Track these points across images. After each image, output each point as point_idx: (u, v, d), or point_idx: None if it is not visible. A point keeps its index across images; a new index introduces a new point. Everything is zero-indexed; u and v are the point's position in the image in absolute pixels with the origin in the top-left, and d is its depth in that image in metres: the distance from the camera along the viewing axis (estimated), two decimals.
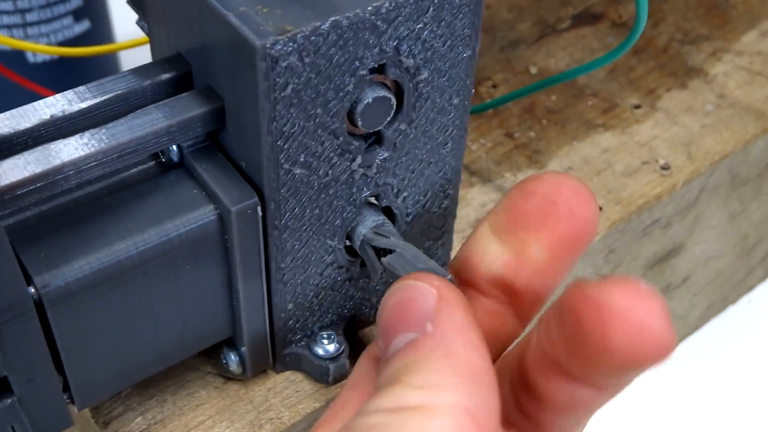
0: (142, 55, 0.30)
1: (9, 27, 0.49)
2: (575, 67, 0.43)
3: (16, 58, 0.49)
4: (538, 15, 0.47)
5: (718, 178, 0.40)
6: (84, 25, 0.51)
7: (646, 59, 0.45)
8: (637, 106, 0.42)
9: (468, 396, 0.21)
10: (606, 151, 0.39)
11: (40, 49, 0.46)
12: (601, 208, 0.37)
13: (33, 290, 0.23)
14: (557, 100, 0.42)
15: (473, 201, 0.37)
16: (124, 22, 0.49)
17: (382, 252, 0.28)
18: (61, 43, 0.51)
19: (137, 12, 0.29)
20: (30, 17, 0.49)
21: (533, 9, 0.47)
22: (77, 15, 0.51)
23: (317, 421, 0.25)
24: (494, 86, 0.42)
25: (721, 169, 0.40)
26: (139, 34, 0.31)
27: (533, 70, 0.43)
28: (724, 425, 0.47)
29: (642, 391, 0.47)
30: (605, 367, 0.21)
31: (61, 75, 0.52)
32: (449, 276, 0.25)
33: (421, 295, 0.23)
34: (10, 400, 0.25)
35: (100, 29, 0.53)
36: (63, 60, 0.51)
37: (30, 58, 0.50)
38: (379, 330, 0.24)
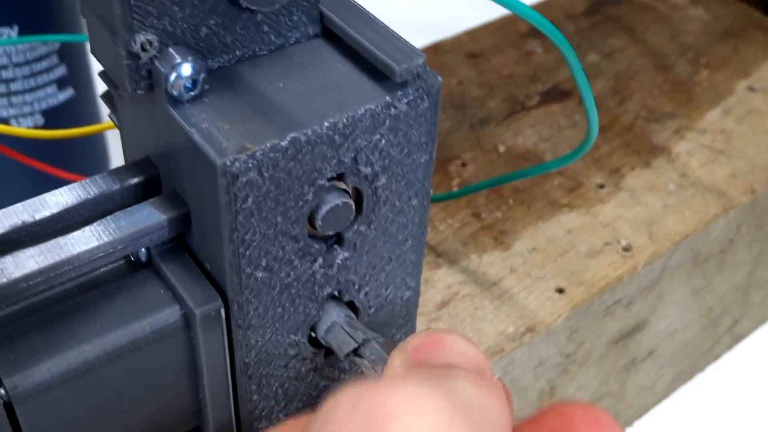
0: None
1: None
2: (542, 145, 0.44)
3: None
4: (508, 92, 0.48)
5: (680, 257, 0.41)
6: (68, 93, 0.53)
7: (612, 137, 0.46)
8: (602, 186, 0.43)
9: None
10: (570, 232, 0.41)
11: (20, 133, 0.47)
12: (563, 290, 0.38)
13: (3, 391, 0.24)
14: (524, 180, 0.43)
15: (439, 283, 0.38)
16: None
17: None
18: (46, 111, 0.52)
19: (109, 107, 0.30)
20: (14, 87, 0.51)
21: (503, 86, 0.49)
22: (61, 84, 0.52)
23: None
24: (463, 165, 0.44)
25: (682, 249, 0.41)
26: None
27: (501, 148, 0.45)
28: None
29: None
30: None
31: (45, 144, 0.53)
32: None
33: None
34: None
35: (84, 97, 0.55)
36: (46, 126, 0.52)
37: (14, 125, 0.52)
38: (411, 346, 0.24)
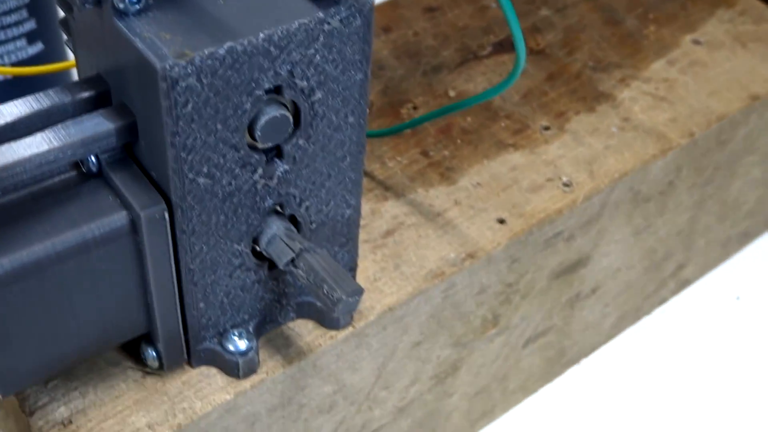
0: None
1: None
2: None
3: None
4: (462, 42, 0.50)
5: (619, 195, 0.43)
6: (37, 47, 0.54)
7: (559, 85, 0.48)
8: (547, 128, 0.45)
9: None
10: (514, 169, 0.42)
11: None
12: (504, 221, 0.40)
13: None
14: (472, 122, 0.45)
15: (386, 213, 0.40)
16: None
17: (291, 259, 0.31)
18: (15, 64, 0.53)
19: (65, 33, 0.32)
20: None
21: (458, 37, 0.51)
22: (30, 37, 0.53)
23: None
24: (414, 108, 0.45)
25: (621, 187, 0.43)
26: None
27: (452, 93, 0.47)
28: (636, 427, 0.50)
29: (557, 395, 0.50)
30: None
31: (15, 95, 0.54)
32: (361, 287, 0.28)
33: None
34: None
35: (53, 51, 0.56)
36: (17, 80, 0.54)
37: None
38: None
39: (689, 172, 0.47)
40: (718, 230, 0.55)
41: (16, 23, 0.52)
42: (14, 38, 0.53)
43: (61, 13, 0.55)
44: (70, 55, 0.57)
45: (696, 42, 0.52)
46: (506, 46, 0.51)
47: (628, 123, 0.46)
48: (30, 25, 0.53)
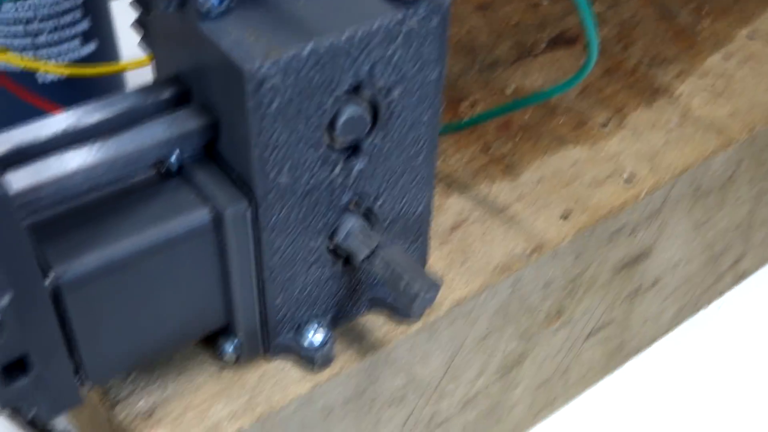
0: (146, 74, 0.33)
1: (20, 50, 0.53)
2: (548, 87, 0.47)
3: (26, 78, 0.53)
4: (516, 39, 0.50)
5: (680, 189, 0.44)
6: (91, 47, 0.55)
7: (616, 80, 0.48)
8: (605, 124, 0.45)
9: None
10: (575, 164, 0.43)
11: (49, 69, 0.49)
12: (568, 216, 0.40)
13: (53, 277, 0.27)
14: (531, 117, 0.45)
15: (450, 209, 0.40)
16: (129, 43, 0.53)
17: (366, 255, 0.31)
18: (69, 64, 0.54)
19: (140, 33, 0.33)
20: (40, 40, 0.53)
21: (511, 33, 0.51)
22: (85, 37, 0.54)
23: None
24: (472, 105, 0.46)
25: (682, 181, 0.43)
26: (143, 54, 0.35)
27: (509, 90, 0.47)
28: (695, 424, 0.50)
29: (616, 387, 0.51)
30: None
31: (69, 94, 0.55)
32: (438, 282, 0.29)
33: None
34: (29, 378, 0.28)
35: (107, 50, 0.57)
36: (71, 80, 0.55)
37: (40, 78, 0.54)
38: None
39: (749, 165, 0.47)
40: None
41: (71, 24, 0.53)
42: (69, 39, 0.54)
43: (118, 13, 0.56)
44: (122, 56, 0.59)
45: (750, 37, 0.52)
46: (560, 42, 0.51)
47: (687, 118, 0.46)
48: (84, 25, 0.54)
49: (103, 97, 0.30)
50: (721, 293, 0.55)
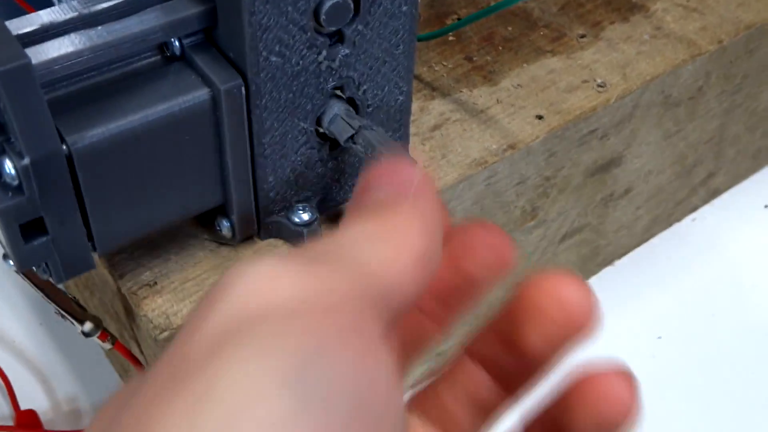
0: None
1: None
2: (532, 3, 0.49)
3: None
4: None
5: (650, 97, 0.46)
6: None
7: None
8: (583, 36, 0.48)
9: (427, 248, 0.25)
10: (551, 72, 0.46)
11: None
12: (542, 117, 0.43)
13: (65, 147, 0.30)
14: (513, 30, 0.48)
15: (433, 110, 0.43)
16: None
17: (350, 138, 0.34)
18: None
19: None
20: None
21: None
22: None
23: None
24: (458, 19, 0.49)
25: (652, 89, 0.46)
26: None
27: (494, 4, 0.50)
28: (669, 329, 0.53)
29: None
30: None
31: None
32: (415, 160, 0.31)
33: (408, 169, 0.27)
34: (45, 239, 0.31)
35: None
36: None
37: None
38: (357, 187, 0.28)
39: (718, 79, 0.50)
40: (748, 140, 0.57)
41: None
42: None
43: None
44: None
45: None
46: None
47: (660, 31, 0.49)
48: None
49: None
50: (695, 208, 0.58)
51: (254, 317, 0.19)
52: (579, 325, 0.25)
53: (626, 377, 0.25)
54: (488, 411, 0.27)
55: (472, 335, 0.27)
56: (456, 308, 0.28)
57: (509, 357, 0.26)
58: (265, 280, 0.20)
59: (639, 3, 0.51)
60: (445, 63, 0.46)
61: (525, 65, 0.46)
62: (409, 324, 0.28)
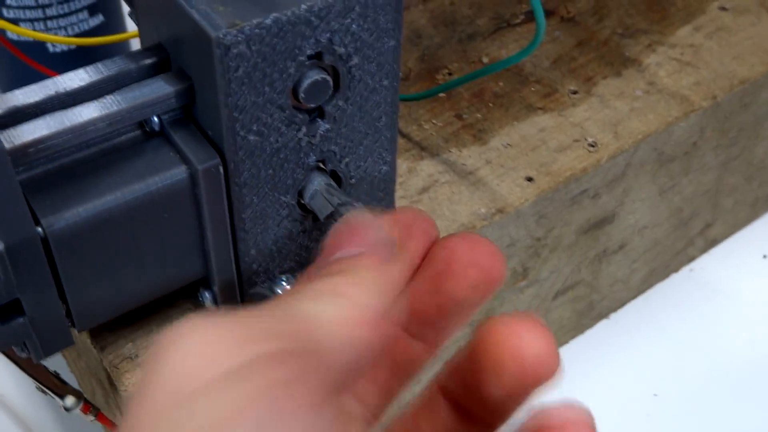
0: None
1: (31, 20, 0.56)
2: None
3: (37, 48, 0.55)
4: (495, 11, 0.53)
5: (643, 155, 0.46)
6: (98, 19, 0.58)
7: (588, 51, 0.50)
8: (575, 92, 0.48)
9: (382, 305, 0.24)
10: (542, 131, 0.45)
11: (57, 40, 0.52)
12: (532, 179, 0.43)
13: (41, 230, 0.30)
14: (504, 86, 0.48)
15: (422, 172, 0.43)
16: None
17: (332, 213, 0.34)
18: (78, 35, 0.57)
19: (129, 5, 0.35)
20: (50, 12, 0.56)
21: (491, 6, 0.53)
22: (92, 10, 0.57)
23: None
24: (450, 74, 0.48)
25: (644, 147, 0.46)
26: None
27: (485, 59, 0.49)
28: (666, 386, 0.52)
29: (588, 346, 0.53)
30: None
31: (78, 63, 0.58)
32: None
33: (368, 226, 0.26)
34: (22, 319, 0.31)
35: (113, 23, 0.60)
36: (79, 50, 0.58)
37: (50, 48, 0.57)
38: (323, 250, 0.28)
39: (713, 133, 0.50)
40: (745, 190, 0.57)
41: None
42: (77, 11, 0.57)
43: None
44: (128, 27, 0.61)
45: (722, 8, 0.54)
46: None
47: (653, 87, 0.48)
48: None
49: (92, 65, 0.32)
50: (691, 258, 0.58)
51: (194, 394, 0.19)
52: (538, 377, 0.25)
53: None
54: None
55: (443, 370, 0.27)
56: (444, 330, 0.28)
57: (472, 400, 0.26)
58: (201, 343, 0.20)
59: (632, 57, 0.50)
60: (434, 121, 0.46)
61: (515, 123, 0.46)
62: (398, 347, 0.28)
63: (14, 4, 0.55)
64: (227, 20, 0.29)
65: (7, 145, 0.29)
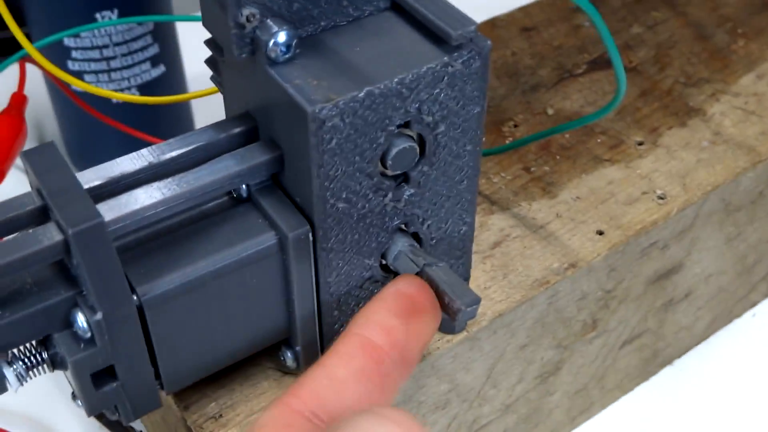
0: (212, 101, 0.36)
1: (96, 72, 0.57)
2: (588, 108, 0.49)
3: (101, 100, 0.57)
4: (558, 61, 0.53)
5: (711, 206, 0.46)
6: (160, 70, 0.59)
7: (651, 101, 0.51)
8: (641, 143, 0.48)
9: None
10: (611, 183, 0.45)
11: (123, 97, 0.53)
12: (603, 233, 0.43)
13: (135, 298, 0.30)
14: (570, 138, 0.48)
15: (493, 226, 0.43)
16: (194, 67, 0.57)
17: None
18: (141, 86, 0.58)
19: (212, 70, 0.36)
20: (114, 64, 0.57)
21: (553, 56, 0.54)
22: (154, 61, 0.58)
23: None
24: (515, 126, 0.49)
25: (713, 198, 0.46)
26: (206, 82, 0.38)
27: (550, 111, 0.50)
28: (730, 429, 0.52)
29: (652, 394, 0.53)
30: None
31: (140, 113, 0.60)
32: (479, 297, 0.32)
33: None
34: (116, 384, 0.32)
35: (174, 73, 0.61)
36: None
37: (113, 100, 0.58)
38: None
39: None
40: None
41: (142, 48, 0.57)
42: (140, 62, 0.58)
43: (185, 44, 0.60)
44: (187, 77, 0.62)
45: None
46: (600, 63, 0.53)
47: (719, 137, 0.48)
48: (154, 49, 0.58)
49: (182, 135, 0.33)
50: (754, 303, 0.57)
51: None
52: None
53: None
54: None
55: None
56: None
57: None
58: None
59: (696, 107, 0.50)
60: (503, 174, 0.46)
61: (583, 175, 0.46)
62: None
63: (80, 56, 0.56)
64: (321, 94, 0.29)
65: (106, 217, 0.29)
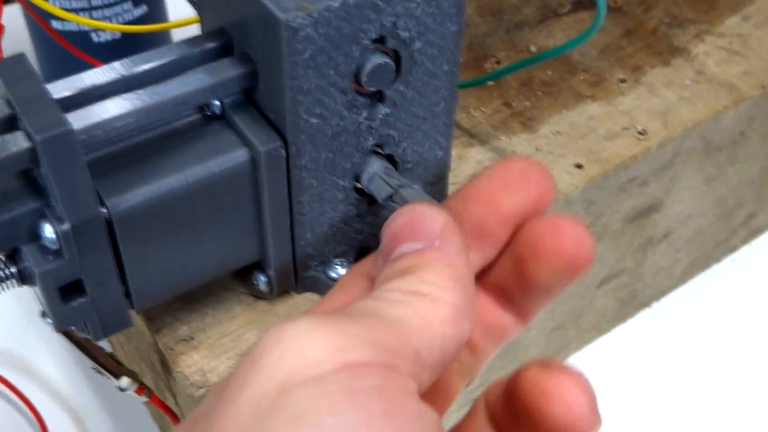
0: (192, 34, 0.36)
1: (76, 10, 0.56)
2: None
3: (82, 38, 0.56)
4: (542, 0, 0.53)
5: (692, 144, 0.46)
6: (142, 9, 0.58)
7: (636, 40, 0.50)
8: (623, 81, 0.47)
9: (462, 299, 0.26)
10: (591, 119, 0.45)
11: (104, 26, 0.52)
12: (581, 166, 0.42)
13: (105, 210, 0.30)
14: (552, 75, 0.48)
15: (471, 159, 0.43)
16: (176, 6, 0.56)
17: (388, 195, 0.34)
18: (123, 25, 0.58)
19: None
20: (95, 2, 0.56)
21: None
22: (136, 0, 0.57)
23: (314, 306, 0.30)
24: (498, 62, 0.48)
25: (693, 136, 0.45)
26: (189, 16, 0.38)
27: (533, 48, 0.49)
28: (707, 376, 0.52)
29: (629, 335, 0.53)
30: None
31: (121, 53, 0.59)
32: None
33: (431, 216, 0.27)
34: (84, 299, 0.31)
35: (156, 12, 0.60)
36: (123, 39, 0.58)
37: (94, 38, 0.57)
38: (385, 239, 0.28)
39: (761, 123, 0.49)
40: None
41: None
42: (122, 1, 0.57)
43: None
44: (169, 17, 0.62)
45: None
46: (585, 3, 0.53)
47: (702, 76, 0.48)
48: None
49: (154, 49, 0.33)
50: (734, 248, 0.57)
51: (292, 385, 0.22)
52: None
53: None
54: None
55: (490, 389, 0.28)
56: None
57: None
58: (301, 345, 0.23)
59: (681, 46, 0.50)
60: (483, 109, 0.46)
61: (564, 111, 0.46)
62: (488, 315, 0.30)
63: None
64: (295, 3, 0.29)
65: (75, 126, 0.29)
